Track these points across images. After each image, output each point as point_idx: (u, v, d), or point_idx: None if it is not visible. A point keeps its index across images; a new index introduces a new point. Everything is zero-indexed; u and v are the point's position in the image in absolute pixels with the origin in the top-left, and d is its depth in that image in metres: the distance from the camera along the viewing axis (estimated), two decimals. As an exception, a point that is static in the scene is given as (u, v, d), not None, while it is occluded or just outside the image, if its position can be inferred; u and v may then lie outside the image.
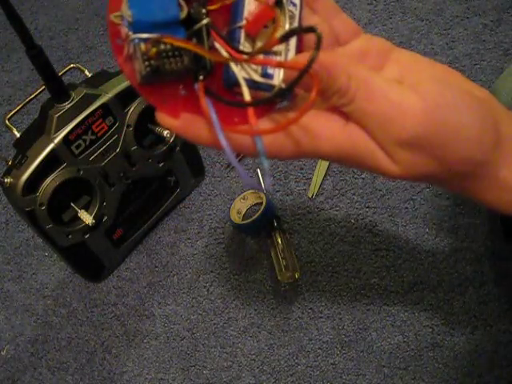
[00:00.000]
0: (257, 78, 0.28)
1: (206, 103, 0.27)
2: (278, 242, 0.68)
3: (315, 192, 0.73)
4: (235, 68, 0.28)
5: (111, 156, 0.63)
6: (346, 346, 0.63)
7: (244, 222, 0.71)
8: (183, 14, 0.26)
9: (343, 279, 0.67)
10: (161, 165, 0.70)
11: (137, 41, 0.26)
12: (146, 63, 0.26)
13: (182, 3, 0.26)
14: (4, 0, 0.49)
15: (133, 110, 0.63)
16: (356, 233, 0.69)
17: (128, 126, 0.63)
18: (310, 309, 0.66)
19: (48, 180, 0.59)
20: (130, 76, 0.27)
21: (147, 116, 0.65)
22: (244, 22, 0.28)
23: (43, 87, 0.59)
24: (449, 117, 0.28)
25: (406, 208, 0.70)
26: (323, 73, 0.28)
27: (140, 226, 0.73)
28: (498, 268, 0.64)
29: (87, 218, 0.62)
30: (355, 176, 0.73)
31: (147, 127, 0.66)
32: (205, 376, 0.65)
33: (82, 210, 0.62)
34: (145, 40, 0.26)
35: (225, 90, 0.29)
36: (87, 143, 0.60)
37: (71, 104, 0.58)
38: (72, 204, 0.63)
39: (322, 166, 0.74)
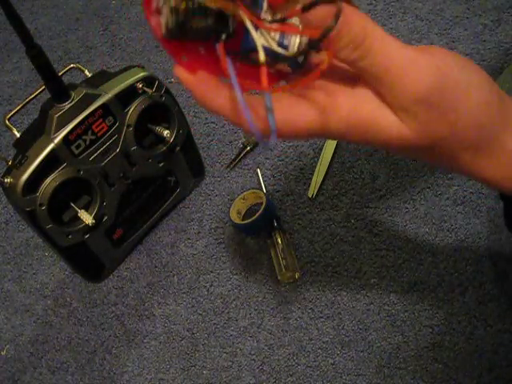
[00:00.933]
0: (274, 46, 0.29)
1: (226, 60, 0.28)
2: (278, 242, 0.68)
3: (315, 192, 0.73)
4: (255, 34, 0.28)
5: (111, 156, 0.63)
6: (346, 345, 0.63)
7: (244, 221, 0.71)
8: None
9: (343, 279, 0.67)
10: (161, 165, 0.70)
11: None
12: (174, 17, 0.27)
13: None
14: (4, 0, 0.49)
15: (133, 110, 0.63)
16: (356, 233, 0.69)
17: (128, 126, 0.63)
18: (310, 309, 0.66)
19: (48, 180, 0.59)
20: (155, 28, 0.28)
21: (147, 116, 0.65)
22: None
23: (43, 87, 0.59)
24: (460, 76, 0.29)
25: (406, 208, 0.70)
26: (338, 20, 0.28)
27: (140, 226, 0.73)
28: (497, 268, 0.64)
29: (87, 218, 0.62)
30: (355, 176, 0.73)
31: (147, 127, 0.66)
32: (205, 376, 0.65)
33: (82, 210, 0.62)
34: None
35: (242, 57, 0.30)
36: (87, 143, 0.60)
37: (71, 104, 0.58)
38: (72, 204, 0.63)
39: (322, 165, 0.74)
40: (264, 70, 0.28)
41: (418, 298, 0.64)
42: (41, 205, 0.59)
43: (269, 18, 0.29)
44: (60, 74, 0.58)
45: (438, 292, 0.64)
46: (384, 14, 0.86)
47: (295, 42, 0.29)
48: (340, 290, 0.67)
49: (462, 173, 0.32)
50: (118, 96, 0.61)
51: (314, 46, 0.27)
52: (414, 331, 0.63)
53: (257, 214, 0.68)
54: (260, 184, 0.75)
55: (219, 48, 0.28)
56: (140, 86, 0.62)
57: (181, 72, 0.29)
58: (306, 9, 0.28)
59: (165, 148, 0.68)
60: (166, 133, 0.66)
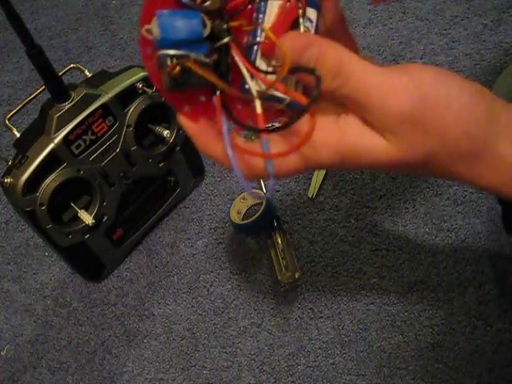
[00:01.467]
0: (269, 91, 0.31)
1: (221, 118, 0.29)
2: (278, 242, 0.68)
3: (315, 192, 0.73)
4: (251, 83, 0.30)
5: (111, 156, 0.63)
6: (346, 345, 0.63)
7: (244, 221, 0.71)
8: (206, 32, 0.28)
9: (343, 279, 0.67)
10: (161, 165, 0.70)
11: (163, 56, 0.28)
12: (171, 77, 0.28)
13: (206, 21, 0.28)
14: (4, 0, 0.49)
15: (133, 110, 0.63)
16: (356, 233, 0.69)
17: (128, 126, 0.63)
18: (310, 309, 0.66)
19: (48, 180, 0.59)
20: (156, 82, 0.30)
21: (147, 116, 0.65)
22: (261, 40, 0.30)
23: (43, 87, 0.59)
24: (439, 91, 0.29)
25: (406, 208, 0.70)
26: (315, 51, 0.29)
27: (140, 226, 0.73)
28: (497, 268, 0.64)
29: (87, 218, 0.62)
30: (355, 176, 0.73)
31: (147, 127, 0.66)
32: (205, 376, 0.65)
33: (82, 210, 0.62)
34: (170, 56, 0.28)
35: (240, 97, 0.31)
36: (87, 143, 0.60)
37: (71, 104, 0.58)
38: (72, 204, 0.63)
39: (322, 166, 0.74)
40: (261, 118, 0.30)
41: (418, 298, 0.64)
42: (41, 205, 0.59)
43: (263, 64, 0.31)
44: (60, 74, 0.58)
45: (437, 292, 0.64)
46: (384, 14, 0.85)
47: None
48: (340, 290, 0.67)
49: (460, 182, 0.32)
50: (117, 96, 0.61)
51: (301, 113, 0.29)
52: (413, 331, 0.63)
53: (257, 214, 0.68)
54: (260, 184, 0.75)
55: (216, 101, 0.30)
56: (140, 86, 0.62)
57: (184, 121, 0.31)
58: (291, 72, 0.30)
59: (165, 148, 0.68)
60: (165, 133, 0.66)
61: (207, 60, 0.28)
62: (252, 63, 0.30)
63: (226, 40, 0.29)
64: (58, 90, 0.58)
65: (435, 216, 0.68)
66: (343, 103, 0.31)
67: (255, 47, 0.30)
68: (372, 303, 0.65)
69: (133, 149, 0.65)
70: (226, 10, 0.29)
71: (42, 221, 0.60)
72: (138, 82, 0.62)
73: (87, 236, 0.66)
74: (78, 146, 0.60)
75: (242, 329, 0.67)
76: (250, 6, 0.31)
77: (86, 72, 0.66)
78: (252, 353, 0.65)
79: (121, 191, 0.67)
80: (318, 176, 0.73)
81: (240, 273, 0.70)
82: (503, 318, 0.61)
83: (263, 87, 0.30)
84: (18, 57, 0.98)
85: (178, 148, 0.70)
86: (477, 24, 0.81)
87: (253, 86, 0.30)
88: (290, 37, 0.30)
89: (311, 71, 0.29)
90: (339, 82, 0.29)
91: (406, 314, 0.64)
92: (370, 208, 0.71)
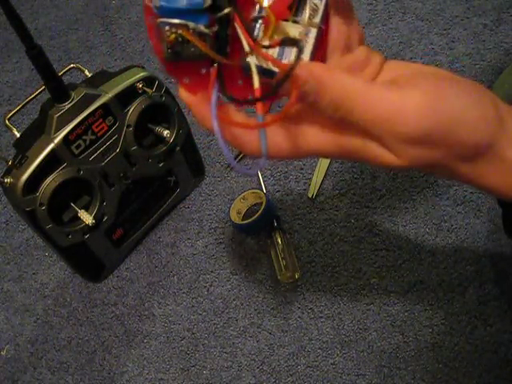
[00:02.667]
0: (264, 65, 0.30)
1: (212, 90, 0.29)
2: (278, 242, 0.68)
3: (315, 192, 0.73)
4: (251, 57, 0.30)
5: (111, 156, 0.63)
6: (346, 345, 0.63)
7: (244, 221, 0.71)
8: (207, 2, 0.28)
9: (343, 279, 0.67)
10: (161, 165, 0.70)
11: (161, 24, 0.28)
12: (169, 47, 0.28)
13: None
14: (4, 0, 0.49)
15: (133, 110, 0.63)
16: (356, 233, 0.69)
17: (128, 126, 0.63)
18: (310, 309, 0.66)
19: (48, 180, 0.59)
20: (157, 52, 0.30)
21: (147, 116, 0.65)
22: (264, 13, 0.30)
23: (43, 87, 0.59)
24: (450, 103, 0.28)
25: (406, 208, 0.70)
26: (314, 84, 0.29)
27: (140, 226, 0.73)
28: (497, 268, 0.64)
29: (87, 218, 0.62)
30: (355, 176, 0.73)
31: (147, 127, 0.66)
32: (205, 376, 0.65)
33: (82, 210, 0.62)
34: (169, 24, 0.28)
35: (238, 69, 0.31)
36: (87, 143, 0.60)
37: (71, 104, 0.58)
38: (72, 204, 0.63)
39: (322, 165, 0.74)
40: (258, 92, 0.29)
41: (418, 298, 0.64)
42: (41, 205, 0.59)
43: (266, 41, 0.30)
44: (60, 74, 0.58)
45: (437, 292, 0.64)
46: (384, 14, 0.85)
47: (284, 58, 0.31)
48: (340, 290, 0.67)
49: (461, 181, 0.32)
50: (117, 96, 0.61)
51: (282, 81, 0.29)
52: (413, 331, 0.63)
53: (257, 214, 0.68)
54: (260, 184, 0.75)
55: (212, 74, 0.30)
56: (140, 86, 0.62)
57: (183, 93, 0.31)
58: (282, 43, 0.30)
59: (165, 148, 0.68)
60: (165, 133, 0.66)
61: (207, 31, 0.28)
62: (254, 38, 0.29)
63: (226, 11, 0.28)
64: (58, 89, 0.58)
65: (435, 216, 0.68)
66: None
67: (260, 21, 0.30)
68: (372, 303, 0.65)
69: (133, 149, 0.65)
70: None
71: (42, 221, 0.60)
72: (137, 81, 0.62)
73: (87, 236, 0.66)
74: (78, 146, 0.60)
75: (241, 329, 0.67)
76: None
77: (86, 72, 0.66)
78: (252, 353, 0.65)
79: (121, 191, 0.67)
80: (318, 176, 0.73)
81: (240, 273, 0.70)
82: (503, 318, 0.61)
83: (263, 63, 0.30)
84: (17, 57, 0.98)
85: (178, 148, 0.70)
86: (477, 24, 0.81)
87: (252, 60, 0.30)
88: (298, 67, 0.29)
89: (295, 43, 0.29)
90: (343, 112, 0.29)
91: (406, 313, 0.64)
92: (370, 208, 0.71)
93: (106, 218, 0.67)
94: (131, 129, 0.63)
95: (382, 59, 0.33)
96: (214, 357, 0.66)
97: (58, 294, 0.73)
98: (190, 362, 0.66)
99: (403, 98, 0.28)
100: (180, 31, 0.28)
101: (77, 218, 0.63)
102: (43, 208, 0.59)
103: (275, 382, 0.63)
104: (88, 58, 0.94)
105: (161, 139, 0.68)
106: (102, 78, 0.63)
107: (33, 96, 0.62)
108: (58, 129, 0.58)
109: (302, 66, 0.29)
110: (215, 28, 0.28)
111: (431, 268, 0.65)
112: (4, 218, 0.81)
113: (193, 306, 0.69)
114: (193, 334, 0.68)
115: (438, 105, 0.28)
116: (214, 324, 0.68)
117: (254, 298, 0.68)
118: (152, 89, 0.63)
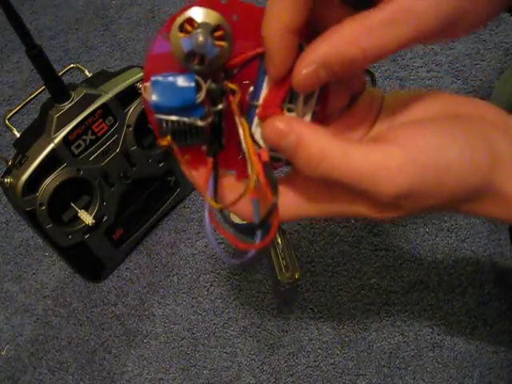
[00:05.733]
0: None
1: (209, 185, 0.31)
2: (278, 242, 0.68)
3: (315, 192, 0.72)
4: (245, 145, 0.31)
5: (111, 156, 0.63)
6: (346, 345, 0.63)
7: (244, 221, 0.71)
8: (201, 97, 0.28)
9: (343, 279, 0.67)
10: (161, 165, 0.70)
11: (158, 120, 0.29)
12: (167, 136, 0.30)
13: (202, 84, 0.28)
14: (4, 0, 0.49)
15: (133, 109, 0.63)
16: (356, 233, 0.69)
17: (128, 126, 0.63)
18: (310, 309, 0.66)
19: (48, 180, 0.59)
20: (157, 134, 0.31)
21: (147, 116, 0.65)
22: (259, 103, 0.31)
23: (43, 87, 0.59)
24: (435, 158, 0.27)
25: (406, 208, 0.70)
26: (293, 140, 0.28)
27: (140, 226, 0.73)
28: (497, 268, 0.64)
29: (87, 218, 0.62)
30: (355, 176, 0.73)
31: (147, 127, 0.66)
32: (205, 376, 0.65)
33: (82, 210, 0.62)
34: (165, 121, 0.29)
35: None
36: (87, 143, 0.60)
37: (71, 104, 0.58)
38: (72, 204, 0.63)
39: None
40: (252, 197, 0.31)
41: (418, 298, 0.64)
42: (41, 205, 0.59)
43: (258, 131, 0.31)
44: (60, 74, 0.58)
45: (437, 292, 0.64)
46: (384, 14, 0.85)
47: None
48: (340, 290, 0.67)
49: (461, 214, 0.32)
50: (118, 96, 0.61)
51: (269, 213, 0.31)
52: (413, 331, 0.63)
53: (257, 214, 0.68)
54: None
55: (208, 163, 0.31)
56: (140, 86, 0.62)
57: (184, 169, 0.32)
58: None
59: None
60: (166, 133, 0.66)
61: (202, 123, 0.29)
62: (249, 127, 0.31)
63: (220, 107, 0.29)
64: (58, 89, 0.58)
65: (435, 216, 0.68)
66: None
67: (255, 110, 0.31)
68: (372, 303, 0.65)
69: (133, 149, 0.65)
70: (227, 69, 0.29)
71: (42, 221, 0.60)
72: (137, 82, 0.62)
73: (87, 236, 0.66)
74: (78, 146, 0.60)
75: (241, 329, 0.67)
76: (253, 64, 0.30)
77: (86, 72, 0.66)
78: (252, 353, 0.65)
79: (121, 191, 0.67)
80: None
81: (240, 273, 0.70)
82: (503, 318, 0.61)
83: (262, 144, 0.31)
84: (17, 57, 0.98)
85: (178, 148, 0.70)
86: (477, 24, 0.81)
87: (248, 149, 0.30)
88: (269, 124, 0.29)
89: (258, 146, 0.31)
90: (321, 172, 0.28)
91: (406, 313, 0.64)
92: (370, 208, 0.70)
93: (105, 218, 0.67)
94: (131, 129, 0.63)
95: (380, 99, 0.33)
96: (213, 357, 0.66)
97: (57, 293, 0.73)
98: (190, 362, 0.66)
99: (386, 157, 0.27)
100: (176, 126, 0.29)
101: (77, 218, 0.63)
102: (43, 208, 0.59)
103: (275, 382, 0.63)
104: (88, 58, 0.94)
105: (161, 139, 0.68)
106: (102, 78, 0.63)
107: (33, 96, 0.62)
108: (58, 129, 0.58)
109: (281, 120, 0.29)
110: (210, 118, 0.29)
111: (431, 268, 0.65)
112: (4, 218, 0.81)
113: (193, 306, 0.69)
114: (193, 334, 0.68)
115: (420, 160, 0.27)
116: (214, 324, 0.68)
117: (254, 298, 0.68)
118: (152, 89, 0.63)
